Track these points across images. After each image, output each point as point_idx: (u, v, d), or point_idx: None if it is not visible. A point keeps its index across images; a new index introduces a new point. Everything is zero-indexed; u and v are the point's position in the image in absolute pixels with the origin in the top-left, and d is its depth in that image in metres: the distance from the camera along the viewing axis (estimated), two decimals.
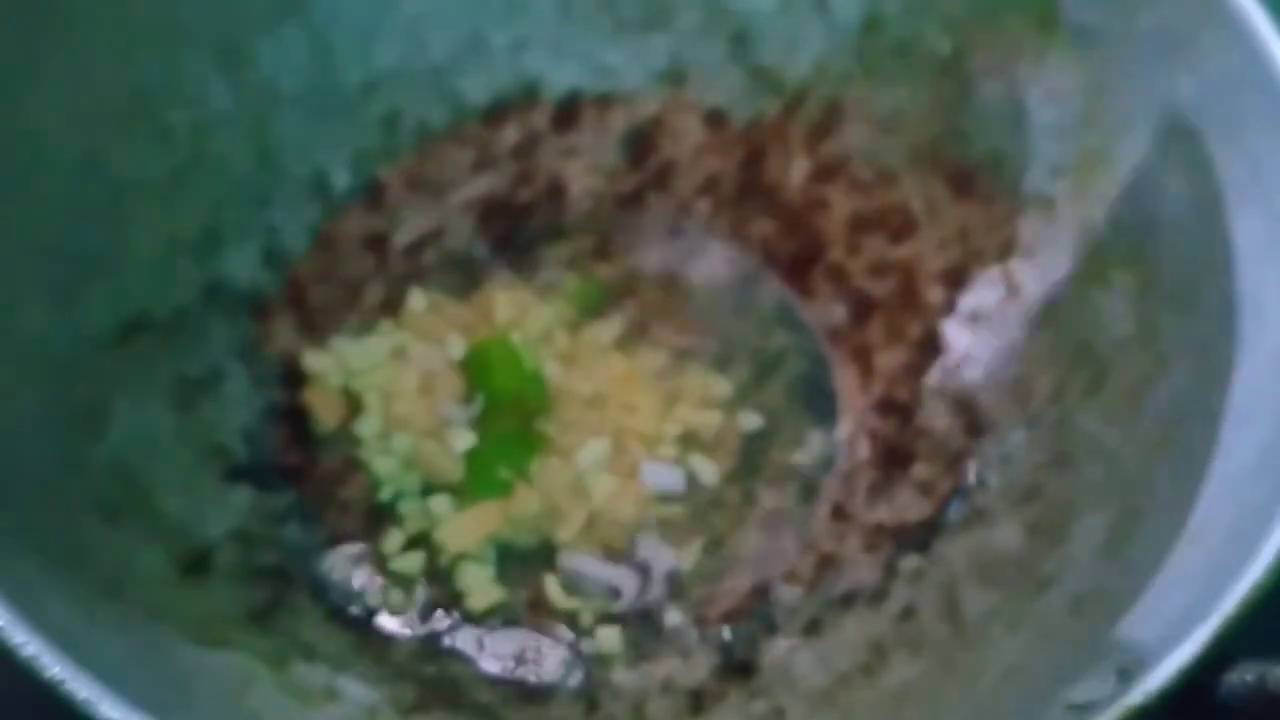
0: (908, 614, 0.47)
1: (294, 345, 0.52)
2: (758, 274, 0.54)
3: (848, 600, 0.48)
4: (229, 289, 0.51)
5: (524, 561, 0.49)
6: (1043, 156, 0.51)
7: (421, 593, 0.48)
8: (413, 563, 0.48)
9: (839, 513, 0.50)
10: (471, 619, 0.47)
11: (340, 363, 0.51)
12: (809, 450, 0.51)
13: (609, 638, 0.47)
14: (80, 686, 0.35)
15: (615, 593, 0.48)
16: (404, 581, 0.48)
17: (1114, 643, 0.39)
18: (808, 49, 0.54)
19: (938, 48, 0.52)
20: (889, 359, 0.52)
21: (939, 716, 0.43)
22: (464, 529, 0.48)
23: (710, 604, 0.48)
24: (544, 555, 0.49)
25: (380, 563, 0.48)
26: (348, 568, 0.48)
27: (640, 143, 0.55)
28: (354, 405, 0.51)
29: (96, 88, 0.48)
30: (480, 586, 0.48)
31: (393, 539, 0.48)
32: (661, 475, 0.50)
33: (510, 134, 0.55)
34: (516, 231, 0.55)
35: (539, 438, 0.50)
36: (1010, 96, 0.51)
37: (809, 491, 0.50)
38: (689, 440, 0.51)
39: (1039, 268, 0.51)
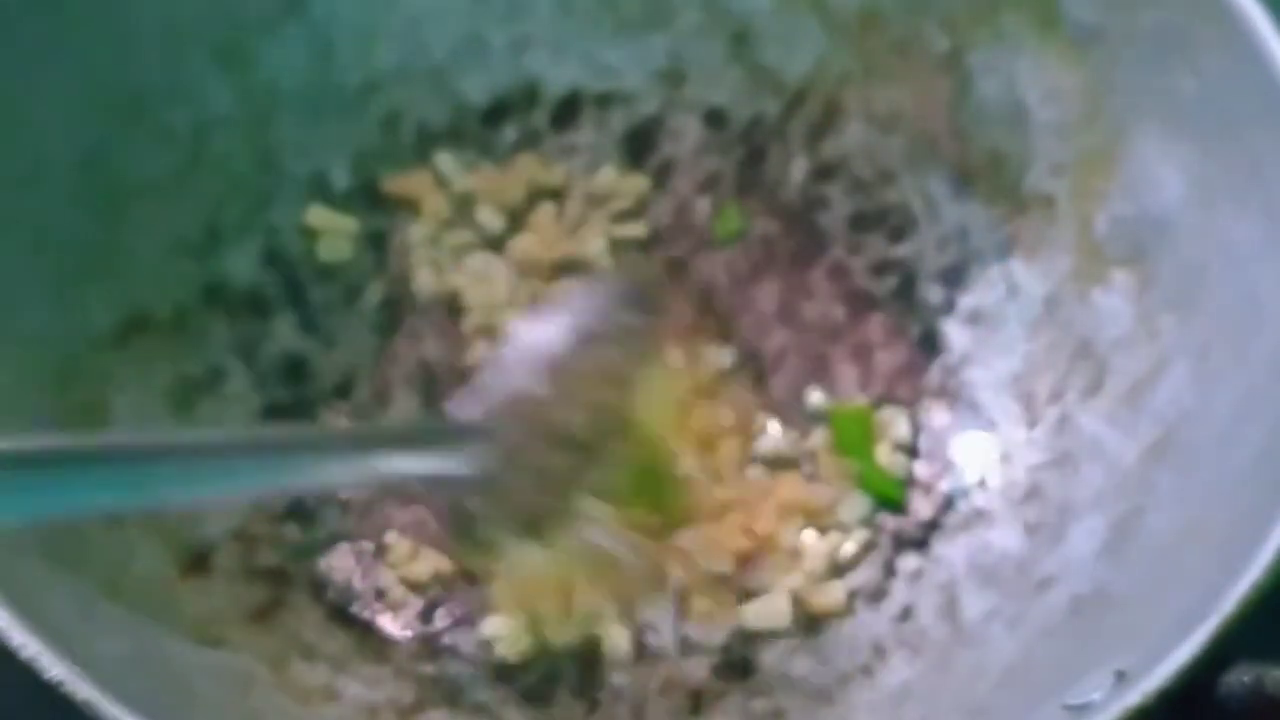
0: (907, 614, 0.47)
1: (294, 345, 0.52)
2: (758, 273, 0.54)
3: (848, 600, 0.48)
4: (229, 289, 0.51)
5: None
6: (1043, 156, 0.51)
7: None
8: (424, 568, 0.48)
9: None
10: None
11: None
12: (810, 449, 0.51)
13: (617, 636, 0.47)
14: (80, 687, 0.35)
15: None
16: (416, 586, 0.48)
17: (1113, 643, 0.39)
18: (807, 48, 0.54)
19: (937, 46, 0.52)
20: (889, 358, 0.52)
21: (938, 716, 0.43)
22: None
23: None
24: None
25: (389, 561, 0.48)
26: (348, 568, 0.48)
27: (640, 142, 0.55)
28: None
29: (97, 88, 0.48)
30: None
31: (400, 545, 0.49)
32: None
33: (510, 133, 0.55)
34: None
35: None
36: (1010, 95, 0.51)
37: None
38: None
39: (1039, 267, 0.51)
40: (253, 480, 0.38)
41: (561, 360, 0.43)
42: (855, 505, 0.49)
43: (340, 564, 0.48)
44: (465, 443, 0.42)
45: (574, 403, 0.43)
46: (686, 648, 0.47)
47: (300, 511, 0.49)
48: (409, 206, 0.54)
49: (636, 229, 0.54)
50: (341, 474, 0.41)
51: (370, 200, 0.54)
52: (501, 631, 0.47)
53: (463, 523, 0.43)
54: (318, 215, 0.53)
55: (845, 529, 0.49)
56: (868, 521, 0.49)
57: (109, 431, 0.46)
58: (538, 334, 0.44)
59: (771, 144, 0.55)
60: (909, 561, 0.48)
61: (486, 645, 0.47)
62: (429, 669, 0.46)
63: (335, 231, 0.53)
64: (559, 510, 0.43)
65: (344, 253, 0.53)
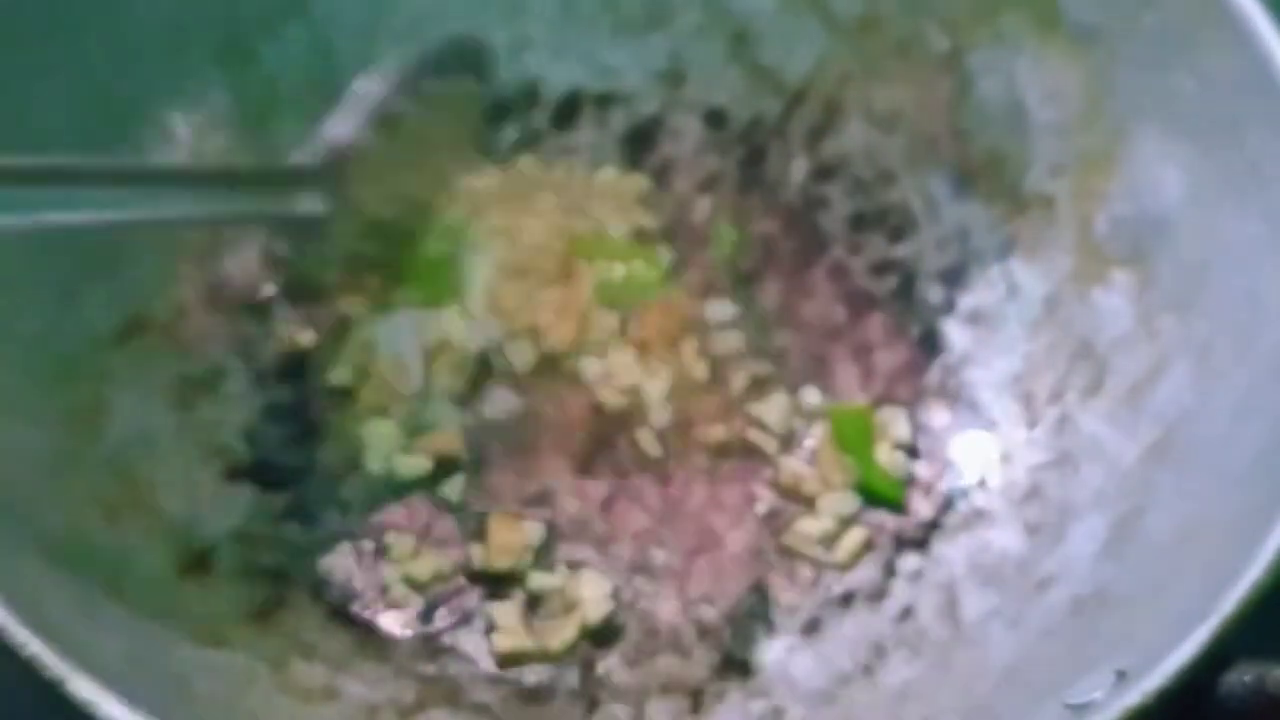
0: (907, 614, 0.47)
1: (294, 345, 0.52)
2: (758, 273, 0.54)
3: (847, 600, 0.48)
4: (229, 289, 0.51)
5: None
6: (1043, 156, 0.51)
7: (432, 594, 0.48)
8: (425, 566, 0.48)
9: None
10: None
11: None
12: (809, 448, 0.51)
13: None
14: (80, 686, 0.35)
15: None
16: (417, 585, 0.48)
17: (1113, 643, 0.39)
18: (807, 48, 0.54)
19: (937, 46, 0.52)
20: (889, 358, 0.52)
21: (938, 716, 0.43)
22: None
23: (709, 602, 0.48)
24: None
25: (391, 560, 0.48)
26: (348, 567, 0.48)
27: (640, 142, 0.55)
28: None
29: (97, 88, 0.48)
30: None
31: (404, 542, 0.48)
32: None
33: (510, 133, 0.55)
34: None
35: None
36: (1010, 96, 0.51)
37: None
38: None
39: (1039, 267, 0.51)
40: (92, 208, 0.41)
41: (392, 116, 0.48)
42: (842, 501, 0.49)
43: (340, 564, 0.48)
44: (303, 184, 0.46)
45: (405, 162, 0.48)
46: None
47: (300, 511, 0.49)
48: None
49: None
50: (183, 207, 0.44)
51: None
52: (501, 620, 0.47)
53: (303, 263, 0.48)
54: None
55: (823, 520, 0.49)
56: (855, 520, 0.49)
57: None
58: (370, 88, 0.48)
59: (771, 144, 0.55)
60: (909, 561, 0.48)
61: (486, 645, 0.47)
62: (429, 668, 0.46)
63: None
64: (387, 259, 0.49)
65: None
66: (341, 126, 0.47)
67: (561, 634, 0.46)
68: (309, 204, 0.46)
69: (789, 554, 0.48)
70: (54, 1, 0.47)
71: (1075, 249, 0.50)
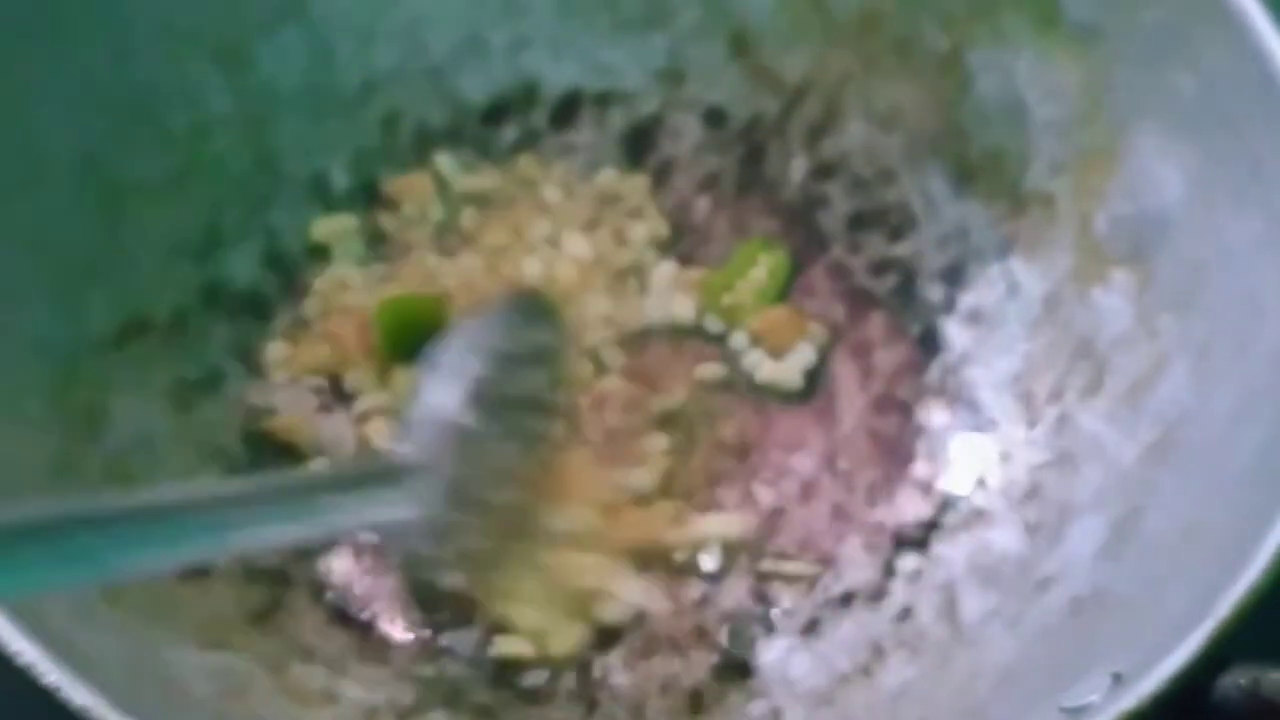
0: (906, 614, 0.47)
1: None
2: None
3: (846, 600, 0.48)
4: (229, 290, 0.51)
5: None
6: (1043, 154, 0.51)
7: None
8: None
9: (839, 512, 0.50)
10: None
11: None
12: (808, 448, 0.51)
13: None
14: (77, 692, 0.35)
15: None
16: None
17: (1110, 645, 0.39)
18: (807, 47, 0.54)
19: (936, 45, 0.52)
20: (889, 357, 0.52)
21: (936, 717, 0.43)
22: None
23: (708, 603, 0.48)
24: None
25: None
26: (348, 569, 0.48)
27: (640, 141, 0.55)
28: None
29: (96, 88, 0.48)
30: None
31: None
32: None
33: (510, 133, 0.55)
34: None
35: None
36: (1010, 94, 0.51)
37: (808, 491, 0.50)
38: None
39: (1039, 266, 0.51)
40: (188, 547, 0.35)
41: (484, 388, 0.42)
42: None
43: (340, 565, 0.48)
44: (405, 481, 0.40)
45: (505, 434, 0.42)
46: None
47: None
48: (409, 206, 0.54)
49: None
50: (285, 530, 0.38)
51: (370, 200, 0.54)
52: (510, 648, 0.47)
53: (417, 568, 0.43)
54: (323, 226, 0.53)
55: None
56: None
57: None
58: (454, 363, 0.43)
59: (771, 143, 0.55)
60: (908, 561, 0.48)
61: (486, 646, 0.47)
62: (428, 670, 0.46)
63: (344, 235, 0.53)
64: (505, 553, 0.43)
65: (358, 252, 0.53)
66: (444, 400, 0.41)
67: (564, 640, 0.46)
68: (408, 504, 0.40)
69: None
70: (54, 1, 0.47)
71: (1075, 248, 0.50)
